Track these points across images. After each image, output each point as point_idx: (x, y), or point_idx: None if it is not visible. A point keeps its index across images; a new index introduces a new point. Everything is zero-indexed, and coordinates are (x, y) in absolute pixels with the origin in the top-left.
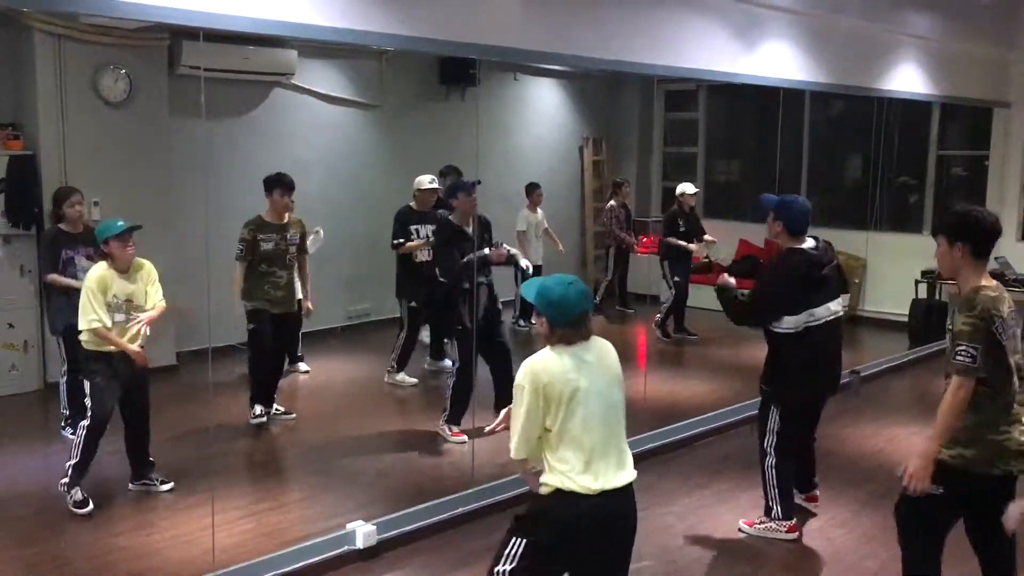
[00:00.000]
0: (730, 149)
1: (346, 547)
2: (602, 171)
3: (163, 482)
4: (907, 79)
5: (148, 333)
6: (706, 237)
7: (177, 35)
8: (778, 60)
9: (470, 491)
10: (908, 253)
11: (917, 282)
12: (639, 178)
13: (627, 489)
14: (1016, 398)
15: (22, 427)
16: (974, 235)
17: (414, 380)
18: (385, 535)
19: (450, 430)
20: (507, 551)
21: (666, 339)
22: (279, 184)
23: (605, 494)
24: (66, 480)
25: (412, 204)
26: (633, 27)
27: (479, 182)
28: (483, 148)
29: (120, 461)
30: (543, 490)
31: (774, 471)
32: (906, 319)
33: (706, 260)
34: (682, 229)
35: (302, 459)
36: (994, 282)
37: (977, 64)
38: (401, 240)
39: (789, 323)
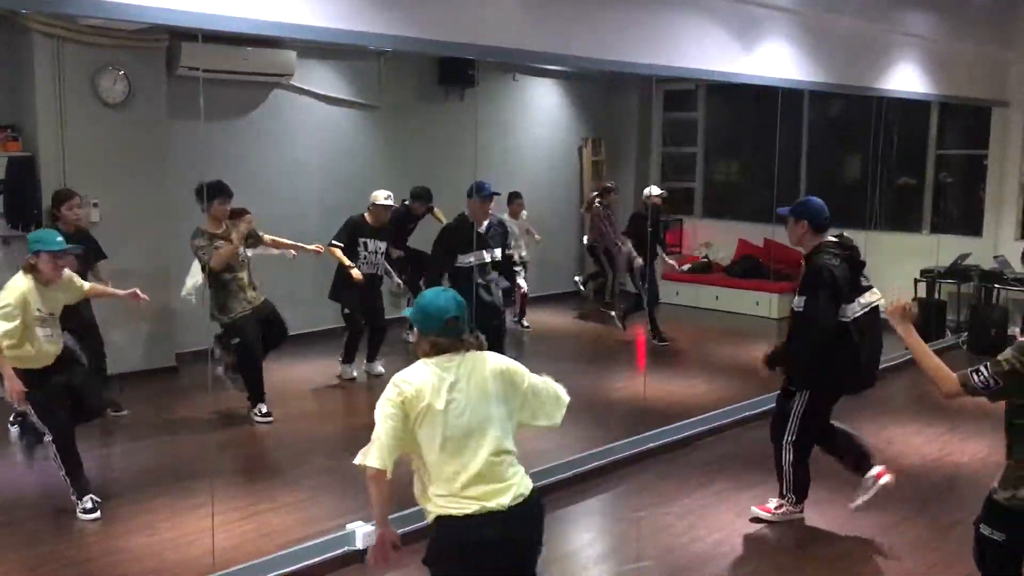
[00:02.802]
0: (729, 149)
1: (346, 548)
2: (601, 171)
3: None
4: (906, 78)
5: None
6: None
7: (176, 36)
8: (777, 60)
9: None
10: (907, 252)
11: (916, 281)
12: (638, 179)
13: (516, 510)
14: None
15: None
16: None
17: (354, 374)
18: None
19: None
20: None
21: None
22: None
23: (489, 515)
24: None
25: (366, 215)
26: (632, 27)
27: (497, 194)
28: (482, 148)
29: (118, 461)
30: (429, 519)
31: (792, 450)
32: None
33: (705, 259)
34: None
35: (301, 460)
36: None
37: (975, 63)
38: (340, 245)
39: (848, 311)
